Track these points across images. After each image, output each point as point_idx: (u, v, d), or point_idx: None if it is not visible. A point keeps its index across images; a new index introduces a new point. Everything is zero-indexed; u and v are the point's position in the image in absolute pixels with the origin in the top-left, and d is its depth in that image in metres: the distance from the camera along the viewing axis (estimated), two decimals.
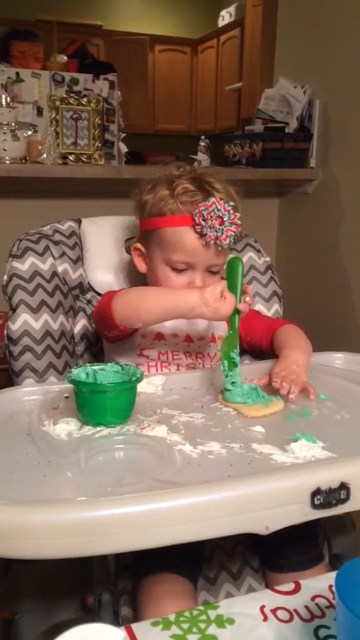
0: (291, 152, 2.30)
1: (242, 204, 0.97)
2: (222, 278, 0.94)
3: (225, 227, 0.89)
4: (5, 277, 1.03)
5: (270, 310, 1.15)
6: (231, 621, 0.58)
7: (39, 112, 2.72)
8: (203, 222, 0.90)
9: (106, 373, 0.79)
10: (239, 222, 0.91)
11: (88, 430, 0.73)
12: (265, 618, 0.59)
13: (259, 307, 1.15)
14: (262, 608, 0.59)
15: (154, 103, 5.32)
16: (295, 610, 0.59)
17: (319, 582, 0.63)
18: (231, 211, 0.90)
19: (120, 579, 0.83)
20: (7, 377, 1.02)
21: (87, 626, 0.46)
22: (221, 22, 4.95)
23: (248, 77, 4.24)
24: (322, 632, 0.57)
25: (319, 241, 2.35)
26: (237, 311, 0.85)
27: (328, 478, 0.60)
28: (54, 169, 2.09)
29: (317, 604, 0.60)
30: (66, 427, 0.74)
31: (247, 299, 0.87)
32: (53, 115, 2.27)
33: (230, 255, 1.05)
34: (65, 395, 0.84)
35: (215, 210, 0.89)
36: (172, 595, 0.76)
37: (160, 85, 5.32)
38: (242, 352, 1.08)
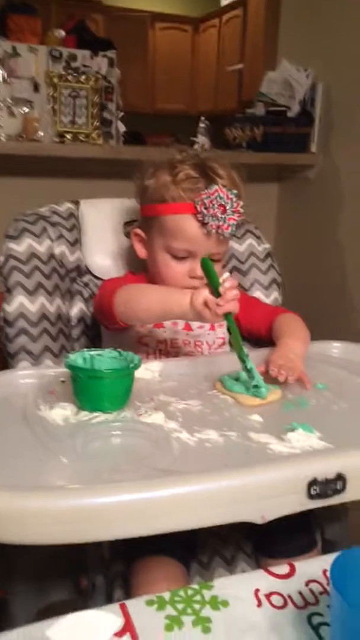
0: (292, 136, 2.27)
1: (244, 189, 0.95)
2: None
3: (227, 215, 0.88)
4: (1, 258, 1.02)
5: (270, 297, 1.14)
6: (225, 603, 0.58)
7: (36, 88, 2.65)
8: (205, 211, 0.88)
9: (103, 359, 0.79)
10: (241, 210, 0.89)
11: (84, 415, 0.73)
12: (260, 604, 0.59)
13: (258, 294, 1.14)
14: (256, 592, 0.59)
15: (153, 82, 5.23)
16: (289, 596, 0.60)
17: (313, 566, 0.63)
18: (234, 199, 0.88)
19: (114, 562, 0.84)
20: (2, 359, 1.01)
21: (85, 612, 0.46)
22: (223, 1, 4.85)
23: (250, 58, 4.17)
24: (316, 620, 0.58)
25: (319, 228, 2.33)
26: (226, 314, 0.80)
27: (325, 469, 0.60)
28: (51, 147, 2.06)
29: (310, 590, 0.60)
30: (62, 412, 0.74)
31: (223, 288, 0.78)
32: (51, 93, 2.23)
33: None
34: (62, 379, 0.83)
35: (218, 199, 0.87)
36: (165, 579, 0.77)
37: (160, 63, 5.22)
38: (242, 339, 1.08)
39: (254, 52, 3.99)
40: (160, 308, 0.86)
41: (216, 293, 0.78)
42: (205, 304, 0.78)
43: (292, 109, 2.31)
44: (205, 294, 0.78)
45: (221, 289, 0.78)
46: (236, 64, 4.47)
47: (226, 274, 0.80)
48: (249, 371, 0.80)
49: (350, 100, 2.13)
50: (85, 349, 0.80)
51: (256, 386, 0.80)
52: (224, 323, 1.00)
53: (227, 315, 0.79)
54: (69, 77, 2.26)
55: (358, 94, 2.09)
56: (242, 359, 0.81)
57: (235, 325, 0.81)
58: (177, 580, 0.78)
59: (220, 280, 0.78)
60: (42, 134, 2.10)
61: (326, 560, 0.60)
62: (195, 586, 0.59)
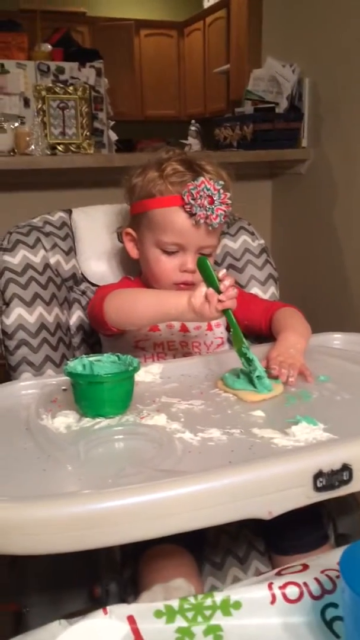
0: (282, 132, 2.28)
1: (235, 187, 0.95)
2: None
3: (215, 206, 0.88)
4: None
5: (267, 293, 1.14)
6: (237, 605, 0.57)
7: (26, 103, 2.68)
8: (192, 202, 0.89)
9: (103, 364, 0.78)
10: (229, 201, 0.89)
11: (87, 422, 0.73)
12: (274, 599, 0.58)
13: (256, 290, 1.14)
14: (270, 585, 0.58)
15: (142, 89, 5.26)
16: (305, 584, 0.57)
17: (327, 560, 0.62)
18: (221, 190, 0.88)
19: (126, 567, 0.83)
20: (4, 372, 1.01)
21: (91, 621, 0.46)
22: (206, 3, 4.87)
23: (236, 58, 4.18)
24: (330, 613, 0.57)
25: (314, 221, 2.33)
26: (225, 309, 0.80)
27: (330, 460, 0.59)
28: (43, 160, 2.07)
29: (327, 575, 0.59)
30: (65, 420, 0.73)
31: (224, 286, 0.79)
32: (39, 106, 2.24)
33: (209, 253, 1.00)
34: (63, 387, 0.83)
35: (205, 190, 0.88)
36: (176, 566, 0.76)
37: (147, 70, 5.25)
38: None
39: (239, 52, 4.00)
40: (156, 311, 0.86)
41: (215, 291, 0.78)
42: (206, 298, 0.78)
43: (280, 105, 2.31)
44: (204, 289, 0.79)
45: (222, 287, 0.78)
46: (223, 65, 4.49)
47: (223, 271, 0.80)
48: (250, 362, 0.80)
49: (337, 93, 2.13)
50: (84, 356, 0.79)
51: (259, 377, 0.79)
52: (222, 323, 1.00)
53: (225, 311, 0.80)
54: (57, 89, 2.27)
55: (344, 87, 2.09)
56: (243, 352, 0.80)
57: (235, 319, 0.81)
58: (187, 567, 0.77)
59: (219, 276, 0.79)
60: (33, 147, 2.10)
61: (341, 552, 0.60)
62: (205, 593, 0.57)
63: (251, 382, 0.80)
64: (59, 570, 0.83)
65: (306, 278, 2.37)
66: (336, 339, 1.03)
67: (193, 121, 2.79)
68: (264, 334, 1.03)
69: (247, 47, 2.76)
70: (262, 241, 1.18)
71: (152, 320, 0.90)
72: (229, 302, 0.79)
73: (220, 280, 0.79)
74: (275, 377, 0.82)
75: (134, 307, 0.89)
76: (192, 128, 2.75)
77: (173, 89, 5.37)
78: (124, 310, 0.89)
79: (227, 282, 0.79)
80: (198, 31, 5.04)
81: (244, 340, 0.81)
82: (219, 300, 0.78)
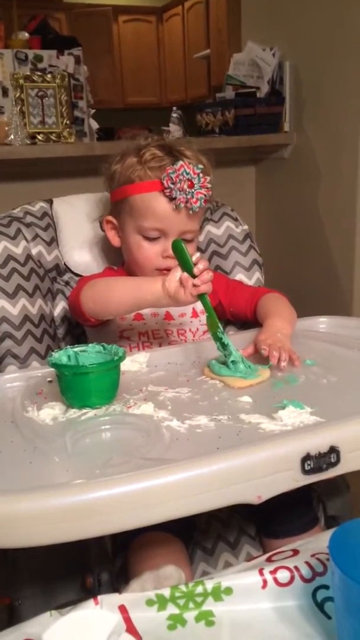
0: (264, 117, 2.26)
1: (219, 173, 0.95)
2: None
3: (195, 190, 0.88)
4: None
5: (252, 279, 1.14)
6: (229, 591, 0.57)
7: (4, 92, 2.62)
8: (172, 186, 0.88)
9: (88, 354, 0.78)
10: (209, 185, 0.89)
11: (73, 413, 0.72)
12: (265, 584, 0.58)
13: (240, 276, 1.13)
14: (261, 570, 0.58)
15: (122, 76, 5.19)
16: (295, 567, 0.58)
17: (317, 543, 0.62)
18: (200, 174, 0.88)
19: (117, 557, 0.83)
20: None
21: (82, 612, 0.46)
22: None
23: (216, 43, 4.14)
24: (321, 595, 0.57)
25: (298, 205, 2.33)
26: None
27: (317, 443, 0.59)
28: (23, 149, 2.04)
29: (318, 558, 0.59)
30: (51, 412, 0.73)
31: (197, 269, 0.78)
32: (18, 95, 2.20)
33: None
34: (49, 379, 0.82)
35: (184, 174, 0.87)
36: (165, 554, 0.76)
37: (127, 57, 5.19)
38: (227, 323, 1.07)
39: (219, 37, 3.97)
40: (132, 298, 0.85)
41: (190, 275, 0.78)
42: (180, 282, 0.78)
43: (261, 89, 2.29)
44: (178, 274, 0.79)
45: (195, 270, 0.78)
46: (203, 50, 4.44)
47: (197, 254, 0.80)
48: (225, 347, 0.80)
49: (318, 76, 2.12)
50: (69, 346, 0.79)
51: (234, 361, 0.79)
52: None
53: (201, 295, 0.79)
54: (35, 77, 2.23)
55: (325, 69, 2.08)
56: (218, 336, 0.80)
57: (209, 302, 0.81)
58: (177, 554, 0.77)
59: (194, 259, 0.79)
60: (12, 137, 2.07)
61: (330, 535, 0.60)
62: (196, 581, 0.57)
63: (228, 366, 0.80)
64: (50, 561, 0.82)
65: (291, 263, 2.37)
66: (322, 323, 1.03)
67: (175, 108, 2.76)
68: (250, 321, 1.02)
69: (226, 31, 2.74)
70: (245, 227, 1.18)
71: (130, 307, 0.89)
72: (203, 287, 0.78)
73: (194, 264, 0.78)
74: (262, 363, 0.82)
75: (111, 295, 0.89)
76: (174, 115, 2.72)
77: (153, 76, 5.31)
78: (101, 299, 0.89)
79: (201, 265, 0.78)
80: (177, 16, 4.98)
81: (219, 324, 0.81)
82: (194, 285, 0.78)
